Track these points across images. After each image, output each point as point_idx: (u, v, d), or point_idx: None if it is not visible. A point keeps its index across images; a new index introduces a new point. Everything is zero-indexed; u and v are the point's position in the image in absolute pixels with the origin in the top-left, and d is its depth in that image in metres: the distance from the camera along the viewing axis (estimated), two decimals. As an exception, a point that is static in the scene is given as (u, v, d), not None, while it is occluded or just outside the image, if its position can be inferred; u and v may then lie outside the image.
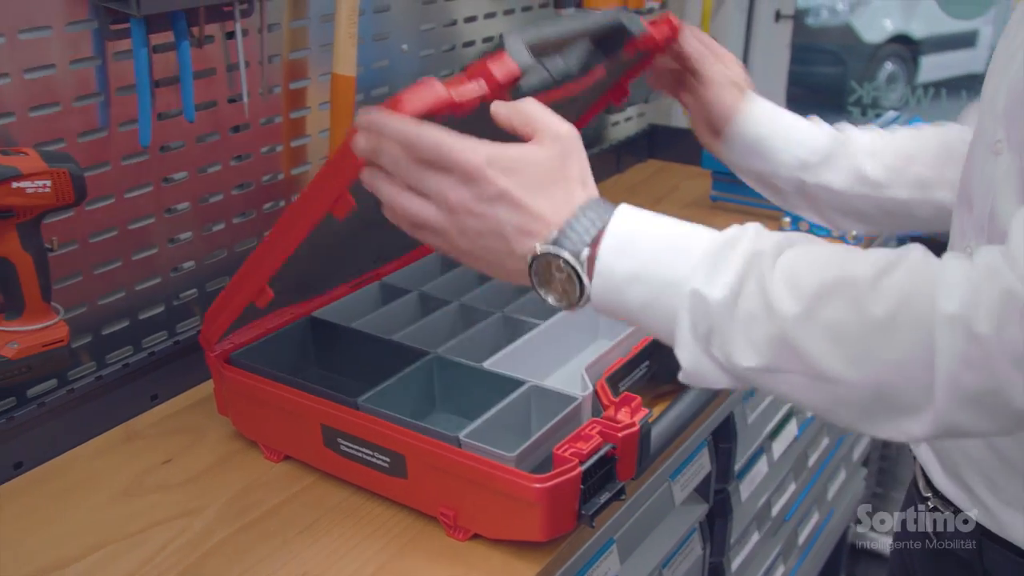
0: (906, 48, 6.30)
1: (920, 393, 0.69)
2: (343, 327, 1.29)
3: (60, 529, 1.09)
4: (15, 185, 1.06)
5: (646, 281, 0.76)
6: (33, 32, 1.13)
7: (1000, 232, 0.90)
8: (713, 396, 1.28)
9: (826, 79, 5.89)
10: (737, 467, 1.54)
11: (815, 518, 2.06)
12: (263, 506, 1.12)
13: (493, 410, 1.09)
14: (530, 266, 0.79)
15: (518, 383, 1.15)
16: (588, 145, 2.23)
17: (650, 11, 2.08)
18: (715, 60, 1.21)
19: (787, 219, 1.94)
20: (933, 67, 6.23)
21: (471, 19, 1.78)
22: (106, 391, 1.27)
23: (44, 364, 1.15)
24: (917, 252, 0.73)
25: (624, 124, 2.39)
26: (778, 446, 1.71)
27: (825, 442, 1.99)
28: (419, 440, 1.04)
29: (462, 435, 1.03)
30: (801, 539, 2.01)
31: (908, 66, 6.29)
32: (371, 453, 1.09)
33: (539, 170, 0.79)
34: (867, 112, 2.54)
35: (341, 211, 0.94)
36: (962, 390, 0.67)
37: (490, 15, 1.83)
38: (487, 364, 1.19)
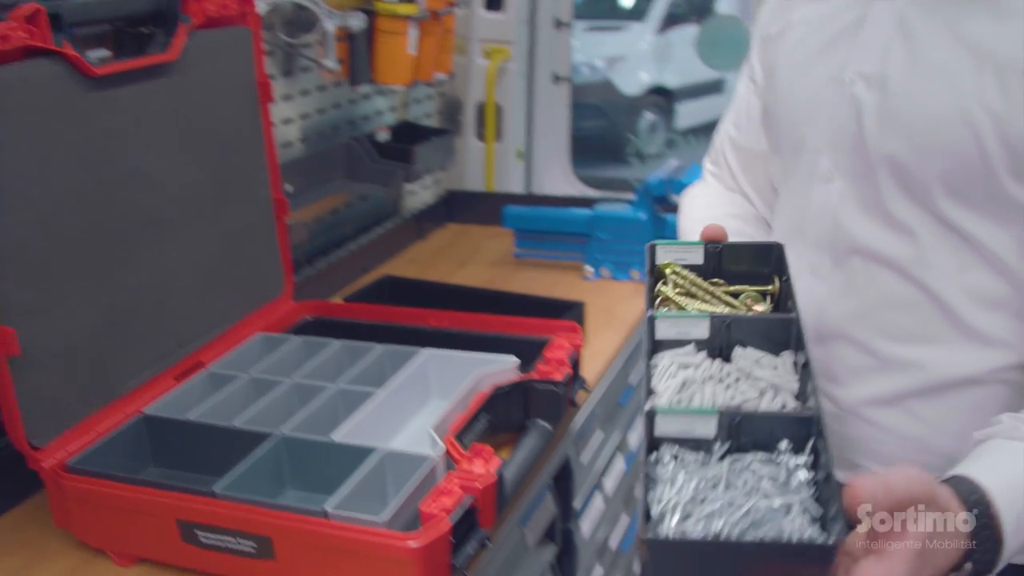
0: (662, 98, 6.75)
1: None
2: (179, 420, 1.28)
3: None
4: None
5: None
6: None
7: (847, 247, 1.10)
8: (549, 441, 1.34)
9: (594, 133, 6.21)
10: (576, 506, 1.61)
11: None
12: (122, 612, 1.09)
13: (352, 481, 1.11)
14: None
15: (369, 451, 1.17)
16: (386, 217, 2.30)
17: (440, 83, 2.17)
18: None
19: (589, 267, 2.05)
20: (688, 114, 6.69)
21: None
22: (-72, 517, 1.20)
23: None
24: None
25: (421, 192, 2.46)
26: (609, 482, 1.79)
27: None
28: (285, 519, 1.04)
29: (328, 507, 1.04)
30: (636, 569, 2.09)
31: (666, 115, 6.74)
32: (234, 540, 1.08)
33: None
34: (645, 160, 2.71)
35: None
36: None
37: (287, 97, 1.86)
38: (335, 437, 1.21)
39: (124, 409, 1.28)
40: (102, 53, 1.35)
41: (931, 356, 1.08)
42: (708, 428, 0.86)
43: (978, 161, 0.98)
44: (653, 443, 0.87)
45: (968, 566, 0.83)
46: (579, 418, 1.55)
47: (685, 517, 0.79)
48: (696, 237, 1.29)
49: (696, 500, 0.81)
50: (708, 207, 1.35)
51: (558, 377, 1.33)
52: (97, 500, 1.14)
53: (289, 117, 1.88)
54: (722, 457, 0.86)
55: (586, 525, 1.66)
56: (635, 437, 1.93)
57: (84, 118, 1.20)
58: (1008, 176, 0.98)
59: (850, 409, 1.14)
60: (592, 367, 1.62)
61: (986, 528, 0.83)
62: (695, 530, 0.77)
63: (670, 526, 0.78)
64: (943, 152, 1.00)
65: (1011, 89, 0.95)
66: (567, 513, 1.58)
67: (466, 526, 1.06)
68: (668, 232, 2.00)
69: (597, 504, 1.72)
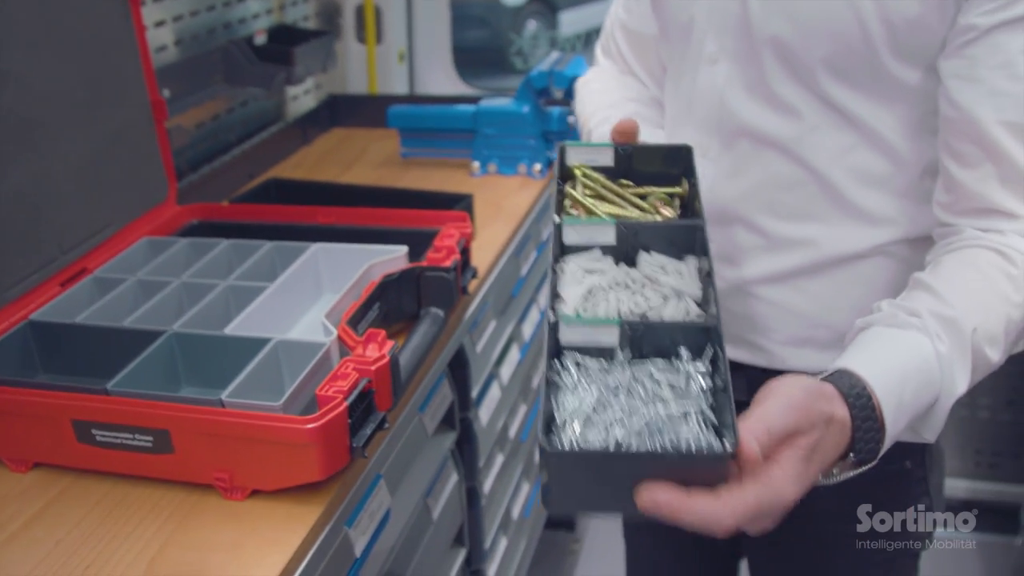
0: (545, 6, 6.71)
1: None
2: (67, 324, 1.26)
3: None
4: None
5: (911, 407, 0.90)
6: None
7: (734, 128, 1.11)
8: (442, 327, 1.36)
9: (478, 45, 6.15)
10: (474, 394, 1.64)
11: (546, 437, 2.21)
12: (22, 516, 1.08)
13: (247, 370, 1.11)
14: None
15: (263, 341, 1.18)
16: (269, 123, 2.27)
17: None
18: None
19: (476, 163, 2.06)
20: (571, 22, 6.67)
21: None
22: None
23: None
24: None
25: (304, 97, 2.42)
26: (505, 371, 1.83)
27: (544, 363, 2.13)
28: (182, 411, 1.04)
29: (224, 396, 1.05)
30: (537, 459, 2.15)
31: (549, 23, 6.71)
32: (131, 436, 1.08)
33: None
34: (528, 61, 2.72)
35: None
36: None
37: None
38: (227, 331, 1.21)
39: (8, 317, 1.26)
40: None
41: (818, 234, 1.12)
42: (611, 337, 0.89)
43: (861, 42, 1.01)
44: (556, 351, 0.89)
45: (852, 456, 0.88)
46: (472, 307, 1.58)
47: (587, 425, 0.81)
48: (597, 122, 1.31)
49: (598, 408, 0.83)
50: (605, 92, 1.36)
51: (447, 263, 1.34)
52: (-15, 407, 1.12)
53: (161, 19, 1.83)
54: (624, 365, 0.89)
55: (484, 413, 1.70)
56: (528, 327, 1.97)
57: (-60, 15, 1.15)
58: (889, 55, 1.01)
59: (743, 288, 1.18)
60: (483, 258, 1.64)
61: (868, 419, 0.87)
62: (596, 437, 0.80)
63: (572, 434, 0.80)
64: (827, 33, 1.02)
65: None
66: (465, 401, 1.61)
67: (363, 409, 1.08)
68: (552, 125, 2.02)
69: (494, 393, 1.76)
